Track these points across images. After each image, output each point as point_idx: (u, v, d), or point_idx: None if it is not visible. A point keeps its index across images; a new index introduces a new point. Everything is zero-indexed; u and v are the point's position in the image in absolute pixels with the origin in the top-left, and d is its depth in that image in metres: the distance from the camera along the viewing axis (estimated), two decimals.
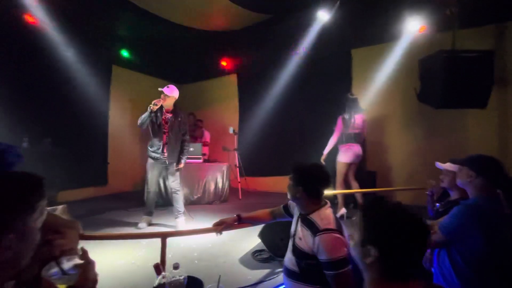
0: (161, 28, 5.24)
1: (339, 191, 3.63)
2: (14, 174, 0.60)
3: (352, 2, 4.17)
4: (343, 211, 3.65)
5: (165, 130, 3.24)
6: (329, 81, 4.98)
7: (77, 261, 0.72)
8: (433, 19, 3.79)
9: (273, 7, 5.04)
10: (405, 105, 4.39)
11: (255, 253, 2.56)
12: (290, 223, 1.69)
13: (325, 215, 1.32)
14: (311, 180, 1.37)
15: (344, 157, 3.64)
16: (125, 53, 5.55)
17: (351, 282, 1.16)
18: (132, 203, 4.30)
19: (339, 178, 3.68)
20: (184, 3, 4.69)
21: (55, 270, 0.73)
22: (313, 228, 1.27)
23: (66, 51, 4.39)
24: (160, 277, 1.24)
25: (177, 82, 7.02)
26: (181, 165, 3.39)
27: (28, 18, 3.99)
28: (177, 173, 3.38)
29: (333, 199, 3.81)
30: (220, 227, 1.67)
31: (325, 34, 4.69)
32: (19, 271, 0.70)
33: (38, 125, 4.05)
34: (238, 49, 6.00)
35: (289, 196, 1.45)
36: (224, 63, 6.22)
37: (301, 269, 1.30)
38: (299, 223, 1.39)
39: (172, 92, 3.22)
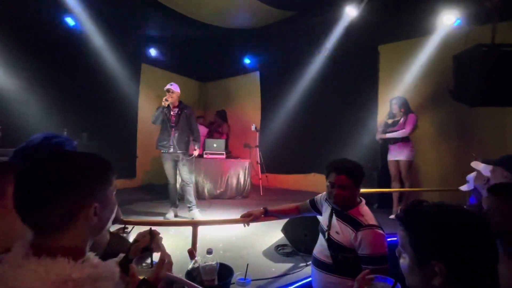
0: (187, 26, 5.40)
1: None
2: (91, 154, 0.69)
3: None
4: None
5: (172, 124, 3.43)
6: (355, 78, 4.87)
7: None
8: (470, 12, 3.58)
9: (297, 4, 5.01)
10: (436, 103, 4.18)
11: (278, 247, 2.60)
12: (313, 218, 1.70)
13: (365, 212, 1.35)
14: (361, 178, 1.40)
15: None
16: (153, 52, 5.79)
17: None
18: (158, 195, 4.51)
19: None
20: (209, 1, 4.79)
21: (148, 261, 0.81)
22: (355, 224, 1.30)
23: (100, 51, 4.68)
24: (193, 261, 1.32)
25: (201, 80, 7.24)
26: (195, 152, 3.61)
27: (68, 21, 4.31)
28: (188, 166, 3.54)
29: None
30: (248, 218, 1.73)
31: (351, 30, 4.59)
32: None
33: (76, 120, 4.35)
34: (261, 47, 6.04)
35: (336, 199, 1.39)
36: (247, 61, 6.28)
37: (336, 262, 1.33)
38: (334, 218, 1.41)
39: (177, 88, 3.47)
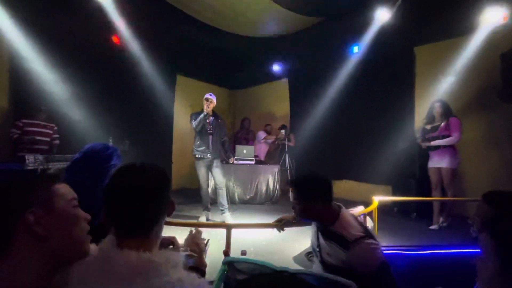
0: (218, 38, 5.68)
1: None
2: (156, 164, 0.78)
3: None
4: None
5: (210, 132, 3.59)
6: (389, 82, 4.70)
7: (190, 252, 0.99)
8: None
9: (326, 10, 5.01)
10: (482, 106, 3.85)
11: (309, 254, 2.57)
12: None
13: (346, 222, 1.22)
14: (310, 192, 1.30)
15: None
16: (187, 63, 6.14)
17: (393, 281, 1.12)
18: (192, 198, 4.72)
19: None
20: (239, 13, 5.00)
21: None
22: (343, 242, 1.17)
23: (141, 65, 5.11)
24: None
25: (231, 88, 7.48)
26: (232, 160, 3.93)
27: (114, 38, 4.80)
28: (221, 169, 3.69)
29: None
30: (280, 223, 1.76)
31: (384, 32, 4.47)
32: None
33: (119, 128, 4.76)
34: (290, 53, 6.10)
35: (300, 219, 1.37)
36: (276, 68, 6.38)
37: None
38: (321, 237, 1.31)
39: (214, 98, 3.69)
